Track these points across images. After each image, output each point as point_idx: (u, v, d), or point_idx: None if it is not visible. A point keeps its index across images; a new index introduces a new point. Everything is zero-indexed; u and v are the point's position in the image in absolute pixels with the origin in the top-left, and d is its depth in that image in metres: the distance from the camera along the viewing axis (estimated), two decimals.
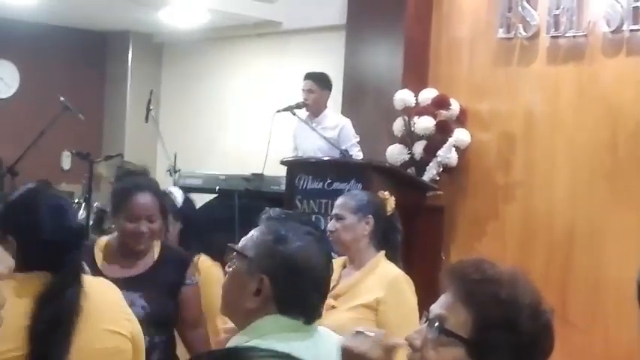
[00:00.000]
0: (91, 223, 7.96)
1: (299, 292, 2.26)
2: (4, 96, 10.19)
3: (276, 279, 2.26)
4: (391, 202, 4.08)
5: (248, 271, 2.29)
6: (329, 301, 3.83)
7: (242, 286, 2.30)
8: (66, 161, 10.33)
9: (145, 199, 3.68)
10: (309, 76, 7.23)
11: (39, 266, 2.58)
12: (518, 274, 1.96)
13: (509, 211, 6.93)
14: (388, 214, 4.03)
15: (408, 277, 3.95)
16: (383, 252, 3.98)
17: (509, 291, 1.91)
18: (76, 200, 8.49)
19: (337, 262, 4.05)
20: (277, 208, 2.50)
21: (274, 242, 2.29)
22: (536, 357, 1.93)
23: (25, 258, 2.53)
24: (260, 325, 2.25)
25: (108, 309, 2.76)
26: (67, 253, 2.60)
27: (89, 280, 2.70)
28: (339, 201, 4.05)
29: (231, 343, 2.27)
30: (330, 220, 4.05)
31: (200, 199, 6.23)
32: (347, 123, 7.08)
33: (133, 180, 4.14)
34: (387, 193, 4.12)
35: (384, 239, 4.01)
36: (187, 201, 4.55)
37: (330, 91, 7.27)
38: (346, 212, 3.96)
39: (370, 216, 3.95)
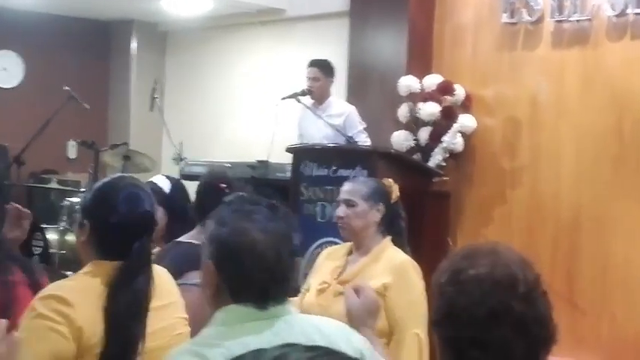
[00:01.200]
0: None
1: (241, 274, 2.18)
2: (9, 86, 10.20)
3: (218, 264, 2.21)
4: (396, 190, 4.09)
5: (204, 259, 2.26)
6: (336, 287, 3.85)
7: (204, 276, 2.28)
8: (71, 150, 10.34)
9: None
10: (314, 64, 7.23)
11: (110, 251, 2.64)
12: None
13: (515, 196, 6.94)
14: (393, 201, 4.05)
15: (415, 262, 3.96)
16: (389, 238, 3.99)
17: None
18: (83, 189, 8.51)
19: (343, 248, 4.08)
20: (240, 194, 2.47)
21: (215, 226, 2.24)
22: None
23: (97, 242, 2.65)
24: (217, 318, 2.20)
25: (176, 296, 2.86)
26: (136, 238, 2.65)
27: (156, 268, 2.77)
28: (349, 187, 4.04)
29: (193, 340, 2.24)
30: (339, 205, 4.03)
31: None
32: (352, 110, 7.08)
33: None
34: (391, 180, 4.13)
35: (390, 226, 4.02)
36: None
37: (334, 77, 7.27)
38: (358, 199, 3.95)
39: (381, 203, 3.96)
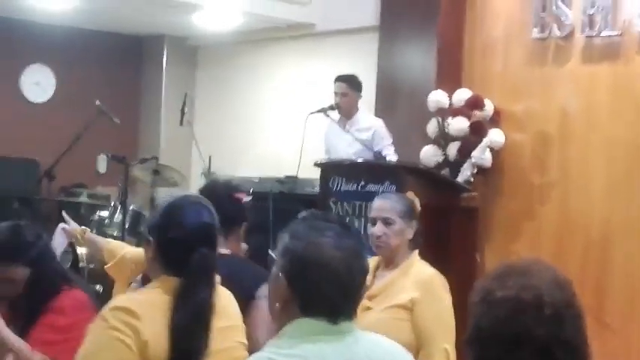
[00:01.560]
0: (127, 225, 8.02)
1: (314, 289, 2.20)
2: (40, 100, 10.28)
3: (290, 277, 2.23)
4: (417, 203, 4.09)
5: (274, 272, 2.29)
6: (364, 302, 3.84)
7: (273, 289, 2.31)
8: (102, 164, 10.41)
9: None
10: (341, 79, 7.24)
11: (175, 266, 2.72)
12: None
13: (544, 211, 6.89)
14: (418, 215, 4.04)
15: (443, 276, 3.94)
16: (417, 252, 3.98)
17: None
18: (112, 203, 8.56)
19: (371, 262, 4.06)
20: (313, 209, 2.51)
21: (289, 240, 2.26)
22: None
23: (162, 258, 2.74)
24: (286, 331, 2.22)
25: (238, 320, 2.93)
26: (195, 251, 2.72)
27: (220, 289, 2.83)
28: (385, 204, 3.99)
29: (261, 351, 2.25)
30: (374, 223, 3.98)
31: None
32: (380, 124, 7.09)
33: None
34: (412, 192, 4.11)
35: (414, 243, 4.01)
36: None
37: (361, 92, 7.27)
38: (396, 217, 3.92)
39: (414, 220, 3.96)
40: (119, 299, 2.75)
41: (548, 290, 1.92)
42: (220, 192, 3.81)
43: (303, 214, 2.40)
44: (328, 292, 2.20)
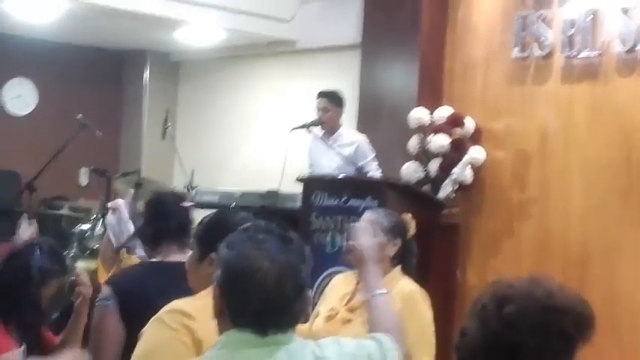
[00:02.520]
0: None
1: (241, 300, 2.20)
2: (22, 113, 10.28)
3: (222, 288, 2.24)
4: (413, 226, 4.09)
5: (213, 284, 2.30)
6: (345, 315, 3.87)
7: (212, 299, 2.31)
8: (83, 177, 10.41)
9: None
10: (323, 94, 7.28)
11: None
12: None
13: (524, 228, 6.95)
14: (409, 237, 4.06)
15: (424, 291, 3.98)
16: (399, 267, 4.00)
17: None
18: (94, 216, 8.55)
19: (353, 276, 4.06)
20: (256, 221, 2.52)
21: (225, 250, 2.27)
22: None
23: None
24: (217, 343, 2.25)
25: None
26: None
27: None
28: (371, 217, 4.03)
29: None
30: None
31: None
32: (363, 139, 7.13)
33: None
34: (409, 215, 4.13)
35: (401, 260, 4.03)
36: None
37: (343, 108, 7.31)
38: (378, 230, 3.93)
39: (399, 239, 3.98)
40: (174, 303, 2.85)
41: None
42: (170, 202, 3.83)
43: (245, 225, 2.39)
44: (254, 304, 2.19)
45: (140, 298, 3.29)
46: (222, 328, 2.26)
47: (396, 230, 3.99)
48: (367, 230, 3.44)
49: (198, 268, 2.93)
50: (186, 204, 3.88)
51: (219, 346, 2.22)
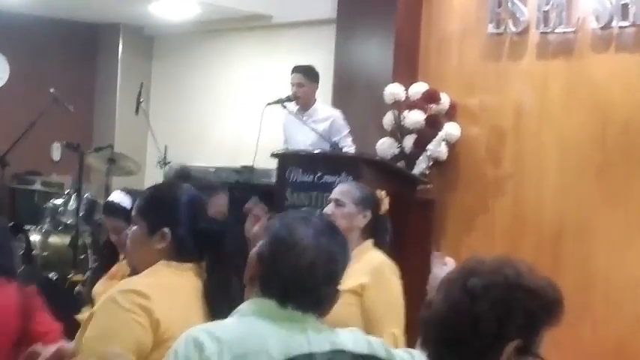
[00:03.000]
0: (81, 214, 7.98)
1: (273, 268, 2.26)
2: None
3: (260, 254, 2.30)
4: (386, 203, 4.13)
5: (253, 251, 2.36)
6: None
7: (246, 266, 2.37)
8: (56, 152, 10.33)
9: None
10: (298, 69, 7.25)
11: (191, 255, 2.83)
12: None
13: (498, 204, 6.97)
14: (381, 212, 4.08)
15: (393, 264, 3.99)
16: (370, 241, 4.04)
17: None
18: (67, 191, 8.51)
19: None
20: (312, 210, 2.56)
21: (275, 221, 2.34)
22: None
23: (176, 247, 2.81)
24: (240, 309, 2.29)
25: None
26: (216, 241, 2.86)
27: None
28: (342, 188, 4.12)
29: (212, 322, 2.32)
30: (328, 203, 4.09)
31: None
32: (338, 115, 7.11)
33: None
34: (383, 193, 4.17)
35: (374, 236, 4.07)
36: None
37: (318, 83, 7.29)
38: (348, 200, 4.01)
39: (369, 210, 4.01)
40: (126, 282, 2.81)
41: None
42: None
43: (304, 209, 2.47)
44: (283, 275, 2.24)
45: None
46: (249, 294, 2.33)
47: (367, 202, 4.04)
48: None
49: (147, 242, 2.82)
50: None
51: (241, 314, 2.26)
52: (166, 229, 2.79)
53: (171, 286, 2.69)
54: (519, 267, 1.98)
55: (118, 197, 4.27)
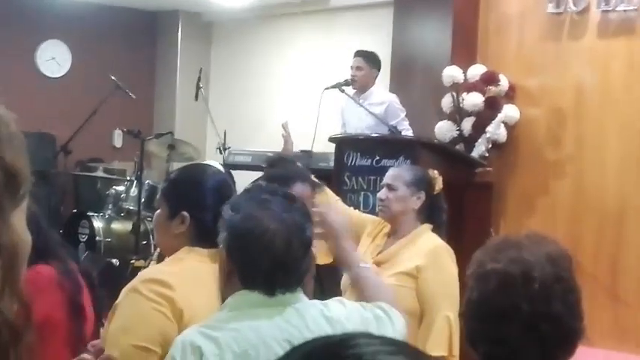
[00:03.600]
0: (142, 200, 8.07)
1: (250, 260, 2.24)
2: (56, 75, 10.32)
3: (229, 249, 2.27)
4: (439, 182, 4.12)
5: (220, 246, 2.32)
6: (372, 267, 3.89)
7: (219, 261, 2.34)
8: (117, 139, 10.45)
9: None
10: (359, 54, 7.25)
11: (213, 241, 2.69)
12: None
13: (559, 187, 6.90)
14: (435, 192, 4.08)
15: (450, 247, 3.98)
16: (428, 225, 4.03)
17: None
18: (128, 178, 8.60)
19: (386, 227, 4.13)
20: (259, 182, 2.53)
21: (229, 212, 2.29)
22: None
23: (198, 232, 2.70)
24: (226, 304, 2.27)
25: None
26: None
27: None
28: (393, 172, 4.12)
29: (203, 324, 2.28)
30: (381, 188, 4.10)
31: (249, 177, 6.30)
32: (393, 98, 7.08)
33: None
34: (436, 172, 4.16)
35: (430, 217, 4.06)
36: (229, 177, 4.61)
37: (379, 70, 7.26)
38: (400, 184, 4.02)
39: (422, 192, 4.01)
40: (148, 272, 2.76)
41: (539, 264, 1.91)
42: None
43: (247, 186, 2.42)
44: (264, 264, 2.22)
45: None
46: (229, 291, 2.29)
47: (419, 183, 4.03)
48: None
49: (168, 227, 2.74)
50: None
51: (229, 308, 2.25)
52: (185, 213, 2.69)
53: (194, 274, 2.62)
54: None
55: (213, 164, 4.42)
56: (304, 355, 0.95)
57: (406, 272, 3.81)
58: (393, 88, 7.50)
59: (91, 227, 8.11)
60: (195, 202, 2.71)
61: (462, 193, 6.06)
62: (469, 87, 7.13)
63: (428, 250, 3.89)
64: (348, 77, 7.14)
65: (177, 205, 2.72)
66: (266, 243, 2.21)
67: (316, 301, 2.35)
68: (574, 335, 1.93)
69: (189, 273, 2.62)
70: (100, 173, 9.25)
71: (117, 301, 2.62)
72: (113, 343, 2.52)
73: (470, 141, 7.08)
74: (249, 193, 2.35)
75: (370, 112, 6.81)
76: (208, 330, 2.18)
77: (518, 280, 1.89)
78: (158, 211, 2.82)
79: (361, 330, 2.21)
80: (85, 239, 8.04)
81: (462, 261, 4.05)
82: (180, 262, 2.67)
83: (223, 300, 2.31)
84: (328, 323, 2.28)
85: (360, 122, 7.00)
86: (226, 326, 2.19)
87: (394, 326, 2.46)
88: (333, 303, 2.39)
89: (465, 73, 7.16)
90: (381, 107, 6.97)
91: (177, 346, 2.18)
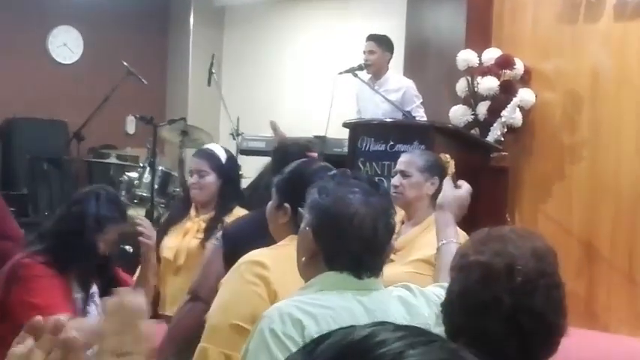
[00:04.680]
0: (156, 186, 8.04)
1: (339, 243, 2.27)
2: (68, 62, 10.30)
3: (317, 231, 2.30)
4: (452, 166, 4.08)
5: (302, 227, 2.36)
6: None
7: (300, 242, 2.38)
8: (130, 126, 10.43)
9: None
10: (371, 37, 7.21)
11: None
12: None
13: (575, 171, 6.85)
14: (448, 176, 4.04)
15: (466, 234, 3.94)
16: None
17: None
18: (141, 164, 8.58)
19: (398, 215, 4.07)
20: (344, 168, 2.56)
21: (317, 195, 2.32)
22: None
23: (298, 223, 2.82)
24: (313, 283, 2.29)
25: None
26: None
27: None
28: (406, 158, 4.11)
29: (296, 299, 2.28)
30: (394, 175, 4.08)
31: (263, 162, 6.27)
32: (410, 84, 7.04)
33: None
34: (447, 155, 4.12)
35: None
36: (230, 161, 4.72)
37: (392, 53, 7.22)
38: (413, 170, 4.01)
39: (436, 177, 3.98)
40: (252, 253, 2.90)
41: (523, 258, 1.88)
42: (294, 152, 3.86)
43: (333, 172, 2.46)
44: (352, 247, 2.26)
45: (244, 243, 3.36)
46: (312, 272, 2.32)
47: (432, 169, 4.02)
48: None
49: (275, 217, 2.95)
50: (312, 153, 3.95)
51: (317, 288, 2.27)
52: (287, 205, 2.86)
53: (291, 259, 2.70)
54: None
55: (215, 147, 4.71)
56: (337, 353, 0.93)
57: (424, 260, 3.78)
58: (408, 73, 7.46)
59: None
60: (296, 196, 2.81)
61: (477, 178, 5.99)
62: (484, 71, 7.08)
63: None
64: (362, 62, 7.10)
65: (282, 197, 2.93)
66: (356, 226, 2.25)
67: (390, 287, 2.40)
68: (556, 331, 1.89)
69: (287, 258, 2.70)
70: (112, 160, 9.23)
71: (223, 279, 2.93)
72: (212, 321, 2.80)
73: (485, 125, 7.03)
74: (335, 177, 2.39)
75: (387, 100, 6.77)
76: (304, 305, 2.20)
77: (501, 272, 1.87)
78: (270, 201, 3.03)
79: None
80: None
81: None
82: (282, 248, 2.84)
83: (306, 280, 2.36)
84: (405, 309, 2.33)
85: (376, 108, 6.96)
86: (321, 304, 2.21)
87: None
88: (402, 287, 2.43)
89: (479, 56, 7.11)
90: (398, 93, 6.93)
91: (273, 317, 2.18)
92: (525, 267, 1.87)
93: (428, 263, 3.79)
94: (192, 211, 4.67)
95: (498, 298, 1.84)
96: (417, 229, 3.96)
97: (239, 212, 4.48)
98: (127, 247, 7.76)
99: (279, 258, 2.77)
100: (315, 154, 3.98)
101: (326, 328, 2.09)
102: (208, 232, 4.50)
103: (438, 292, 2.44)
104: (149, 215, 7.97)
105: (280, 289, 2.69)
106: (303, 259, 2.35)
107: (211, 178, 4.57)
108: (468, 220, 4.10)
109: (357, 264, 2.27)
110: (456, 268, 1.94)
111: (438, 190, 4.00)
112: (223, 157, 4.64)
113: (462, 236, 3.89)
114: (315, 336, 2.04)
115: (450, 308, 1.93)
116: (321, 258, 2.29)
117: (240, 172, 5.54)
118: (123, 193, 8.34)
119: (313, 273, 2.31)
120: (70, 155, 8.90)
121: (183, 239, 4.61)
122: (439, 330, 1.89)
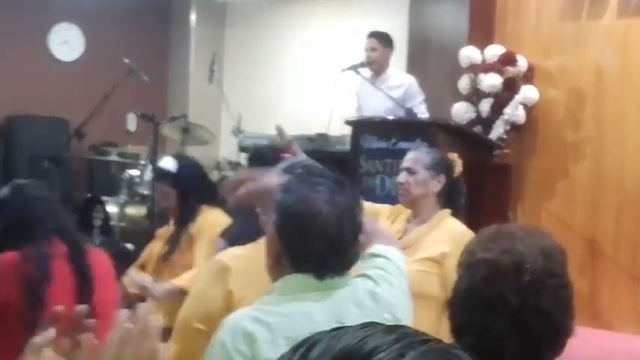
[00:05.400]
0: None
1: (302, 243, 2.20)
2: (69, 59, 10.26)
3: (280, 231, 2.23)
4: (459, 165, 4.09)
5: (268, 227, 2.29)
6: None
7: (266, 243, 2.32)
8: (131, 123, 10.40)
9: None
10: (373, 35, 7.19)
11: None
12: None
13: (578, 169, 6.83)
14: (455, 175, 4.05)
15: (473, 233, 3.92)
16: (448, 210, 4.01)
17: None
18: (142, 162, 8.55)
19: (404, 213, 4.08)
20: (308, 165, 2.51)
21: (281, 194, 2.25)
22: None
23: None
24: (275, 287, 2.24)
25: None
26: None
27: None
28: (413, 155, 4.09)
29: (252, 307, 2.24)
30: (400, 172, 4.06)
31: None
32: (412, 81, 7.01)
33: None
34: (455, 155, 4.12)
35: (449, 200, 4.04)
36: (182, 167, 4.73)
37: (392, 50, 7.20)
38: (420, 167, 4.00)
39: (442, 175, 3.98)
40: (225, 252, 2.94)
41: (532, 257, 1.85)
42: (268, 155, 3.90)
43: (298, 170, 2.38)
44: (316, 247, 2.19)
45: (243, 243, 3.35)
46: (278, 273, 2.25)
47: (439, 167, 4.02)
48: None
49: None
50: (286, 154, 3.96)
51: (279, 292, 2.22)
52: None
53: (262, 260, 2.77)
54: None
55: (165, 161, 4.76)
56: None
57: (431, 258, 3.78)
58: (410, 70, 7.44)
59: (105, 212, 8.07)
60: None
61: (480, 176, 6.00)
62: (487, 68, 7.06)
63: (453, 235, 3.84)
64: (363, 59, 7.08)
65: None
66: (320, 226, 2.18)
67: (358, 279, 2.33)
68: (563, 333, 1.86)
69: (259, 258, 2.64)
70: (113, 157, 9.20)
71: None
72: (178, 317, 2.82)
73: (488, 123, 7.02)
74: (300, 176, 2.31)
75: (389, 96, 6.74)
76: (258, 314, 2.15)
77: (508, 270, 1.83)
78: None
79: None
80: (99, 224, 8.00)
81: None
82: (259, 247, 2.76)
83: (273, 282, 2.30)
84: (373, 300, 2.28)
85: (378, 105, 6.93)
86: (277, 311, 2.16)
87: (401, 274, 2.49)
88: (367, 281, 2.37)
89: (482, 53, 7.09)
90: (400, 90, 6.90)
91: (226, 329, 2.15)
92: (533, 266, 1.83)
93: (435, 262, 3.80)
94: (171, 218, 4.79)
95: (504, 296, 1.81)
96: (423, 228, 3.94)
97: (214, 214, 4.54)
98: (128, 246, 7.75)
99: (251, 258, 2.68)
100: (290, 155, 3.94)
101: (281, 336, 2.09)
102: (171, 243, 4.61)
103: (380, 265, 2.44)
104: (150, 213, 7.95)
105: (240, 289, 2.66)
106: (269, 260, 2.28)
107: (169, 190, 4.69)
108: (471, 219, 4.09)
109: (321, 264, 2.20)
110: (463, 265, 1.91)
111: (445, 188, 4.00)
112: (173, 167, 4.69)
113: (467, 234, 3.89)
114: (267, 346, 2.04)
115: (456, 306, 1.90)
116: (286, 259, 2.22)
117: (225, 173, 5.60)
118: (124, 191, 8.32)
119: (279, 274, 2.24)
120: (70, 153, 8.87)
121: (155, 245, 4.80)
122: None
